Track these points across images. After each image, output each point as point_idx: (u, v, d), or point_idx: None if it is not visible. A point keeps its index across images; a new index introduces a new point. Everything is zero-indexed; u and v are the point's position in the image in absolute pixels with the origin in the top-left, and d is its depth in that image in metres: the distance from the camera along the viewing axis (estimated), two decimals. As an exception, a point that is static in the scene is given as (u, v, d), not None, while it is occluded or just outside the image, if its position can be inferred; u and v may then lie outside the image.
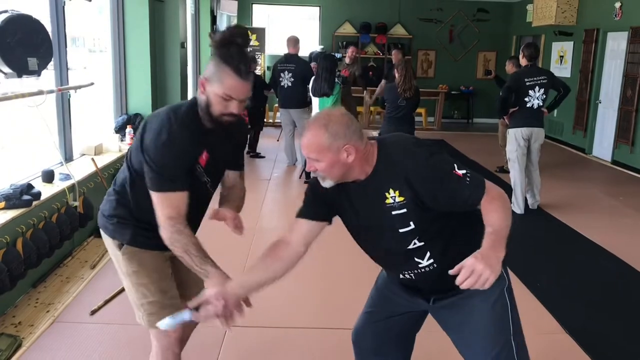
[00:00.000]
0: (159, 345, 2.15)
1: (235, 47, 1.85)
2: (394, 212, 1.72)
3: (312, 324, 3.28)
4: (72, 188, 4.17)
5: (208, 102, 1.87)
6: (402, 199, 1.70)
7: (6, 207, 3.43)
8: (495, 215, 1.66)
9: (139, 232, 2.03)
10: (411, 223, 1.72)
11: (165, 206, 1.85)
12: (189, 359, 2.57)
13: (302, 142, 1.74)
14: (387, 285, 2.04)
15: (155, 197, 1.86)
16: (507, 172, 6.46)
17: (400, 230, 1.73)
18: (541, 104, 5.48)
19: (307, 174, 6.75)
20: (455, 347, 1.95)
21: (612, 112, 8.49)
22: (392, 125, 5.77)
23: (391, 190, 1.71)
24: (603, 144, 8.73)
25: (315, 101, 6.32)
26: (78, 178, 4.31)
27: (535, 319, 3.43)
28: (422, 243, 1.75)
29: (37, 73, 3.81)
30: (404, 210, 1.70)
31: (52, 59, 4.11)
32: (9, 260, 3.22)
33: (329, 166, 1.71)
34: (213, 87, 1.84)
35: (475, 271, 1.51)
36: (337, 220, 1.93)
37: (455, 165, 1.71)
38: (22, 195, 3.54)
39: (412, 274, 1.83)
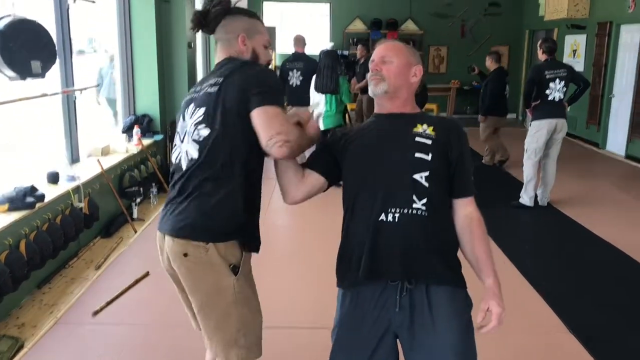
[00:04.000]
0: None
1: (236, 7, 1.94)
2: (417, 139, 1.77)
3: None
4: (77, 189, 4.20)
5: (256, 54, 1.92)
6: (433, 133, 1.78)
7: (9, 209, 3.47)
8: (485, 247, 1.78)
9: None
10: (430, 154, 1.75)
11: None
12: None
13: (385, 45, 1.87)
14: (352, 318, 1.80)
15: None
16: (501, 164, 7.31)
17: (416, 155, 1.75)
18: (562, 96, 5.47)
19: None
20: None
21: (625, 106, 8.34)
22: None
23: (425, 125, 1.80)
24: (617, 139, 8.59)
25: (320, 97, 6.23)
26: (84, 179, 4.34)
27: (539, 318, 3.39)
28: (427, 184, 1.73)
29: (40, 75, 3.85)
30: (429, 141, 1.76)
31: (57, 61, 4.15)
32: (11, 262, 3.25)
33: (397, 71, 1.82)
34: (256, 39, 1.92)
35: (500, 318, 1.68)
36: None
37: None
38: (25, 198, 3.57)
39: (397, 214, 1.71)
